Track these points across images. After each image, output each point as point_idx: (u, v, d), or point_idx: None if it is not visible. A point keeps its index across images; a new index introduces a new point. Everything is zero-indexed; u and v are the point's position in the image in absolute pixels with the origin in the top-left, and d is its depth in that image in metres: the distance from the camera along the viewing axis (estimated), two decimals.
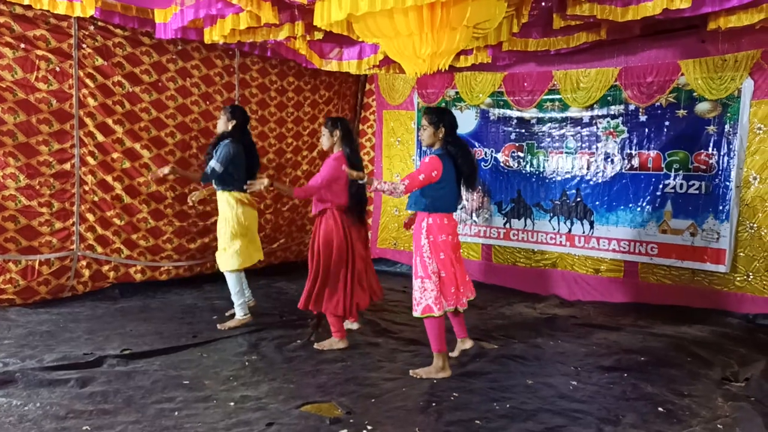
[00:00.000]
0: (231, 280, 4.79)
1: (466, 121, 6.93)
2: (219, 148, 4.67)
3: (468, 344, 4.22)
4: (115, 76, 5.48)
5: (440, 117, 3.86)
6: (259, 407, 3.23)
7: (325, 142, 4.39)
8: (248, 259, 4.85)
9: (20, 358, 3.81)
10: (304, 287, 4.36)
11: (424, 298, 3.77)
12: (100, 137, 5.42)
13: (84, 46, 5.27)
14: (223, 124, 4.82)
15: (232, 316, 4.88)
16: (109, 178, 5.51)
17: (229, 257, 4.76)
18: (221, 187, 4.74)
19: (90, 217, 5.43)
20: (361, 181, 3.79)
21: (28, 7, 4.72)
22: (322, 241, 4.29)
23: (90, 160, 5.39)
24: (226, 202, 4.75)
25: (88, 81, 5.31)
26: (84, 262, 5.43)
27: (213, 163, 4.62)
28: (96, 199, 5.46)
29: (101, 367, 3.74)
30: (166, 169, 4.69)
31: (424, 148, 4.03)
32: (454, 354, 4.17)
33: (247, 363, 3.98)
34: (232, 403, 3.27)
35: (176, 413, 3.11)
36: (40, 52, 5.00)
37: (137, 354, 4.01)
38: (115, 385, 3.45)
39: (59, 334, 4.41)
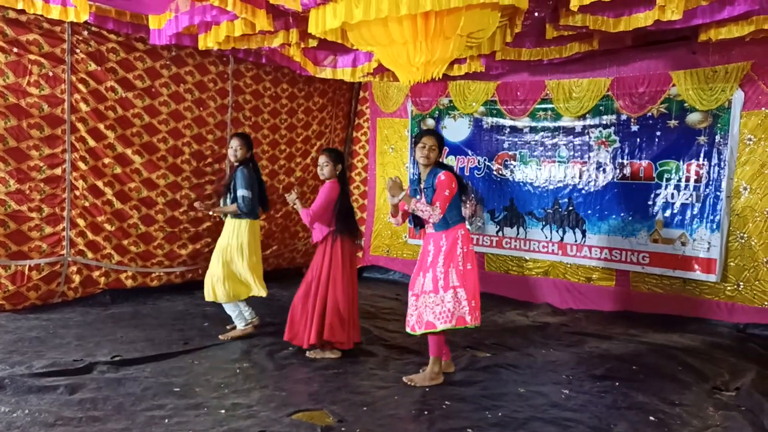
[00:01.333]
0: (228, 308, 4.72)
1: (460, 130, 6.96)
2: (236, 176, 4.64)
3: (451, 368, 4.12)
4: (108, 81, 5.47)
5: (442, 142, 3.99)
6: (250, 415, 3.20)
7: (327, 172, 4.33)
8: (244, 292, 4.73)
9: (9, 364, 3.77)
10: (316, 320, 4.22)
11: (458, 309, 3.68)
12: (91, 142, 5.40)
13: (77, 51, 5.26)
14: (242, 155, 4.69)
15: (233, 327, 4.83)
16: (99, 184, 5.49)
17: (220, 288, 4.60)
18: (242, 215, 4.66)
19: (80, 222, 5.40)
20: (396, 199, 3.80)
21: (22, 12, 4.71)
22: (334, 266, 4.30)
23: (81, 165, 5.36)
24: (237, 229, 4.65)
25: (80, 86, 5.29)
26: (74, 268, 5.39)
27: (242, 192, 4.58)
28: (87, 204, 5.43)
29: (91, 373, 3.71)
30: (201, 206, 4.80)
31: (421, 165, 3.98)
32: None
33: (238, 370, 3.95)
34: (223, 411, 3.25)
35: (166, 420, 3.09)
36: (32, 57, 4.98)
37: (128, 361, 3.98)
38: (105, 392, 3.42)
39: (49, 340, 4.37)
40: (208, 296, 4.66)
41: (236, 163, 4.75)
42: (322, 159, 4.34)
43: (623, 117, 5.91)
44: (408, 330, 3.85)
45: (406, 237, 7.37)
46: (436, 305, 3.70)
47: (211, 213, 4.92)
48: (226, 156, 6.41)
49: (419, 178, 3.99)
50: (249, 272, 4.66)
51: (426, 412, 3.35)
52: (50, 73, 5.11)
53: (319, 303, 4.24)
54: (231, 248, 4.65)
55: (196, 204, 4.93)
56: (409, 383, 3.77)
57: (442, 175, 3.77)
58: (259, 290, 4.72)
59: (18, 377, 3.50)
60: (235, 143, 4.72)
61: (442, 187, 3.74)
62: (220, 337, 4.67)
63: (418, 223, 4.01)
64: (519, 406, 3.48)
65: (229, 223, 4.70)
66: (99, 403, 3.26)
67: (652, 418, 3.38)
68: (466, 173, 6.92)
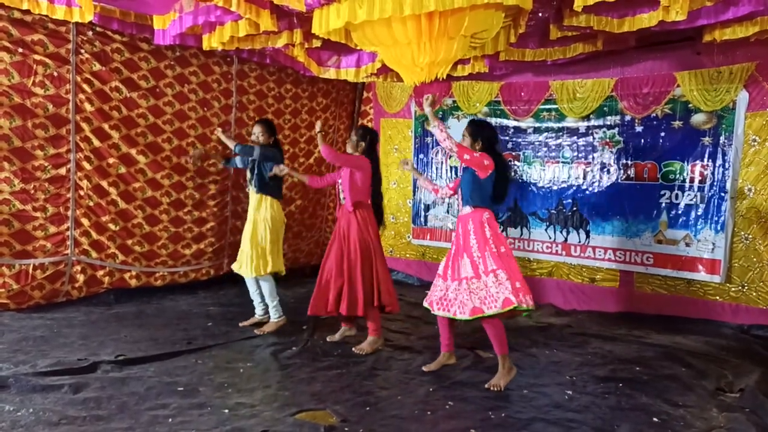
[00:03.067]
0: (268, 284, 4.95)
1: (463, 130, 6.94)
2: (268, 152, 4.91)
3: (453, 359, 4.19)
4: (112, 81, 5.48)
5: (478, 130, 3.97)
6: (253, 414, 3.21)
7: (350, 148, 4.62)
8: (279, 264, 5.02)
9: (13, 363, 3.79)
10: (352, 291, 4.42)
11: (501, 291, 3.64)
12: (96, 142, 5.42)
13: (82, 51, 5.27)
14: (265, 140, 5.00)
15: (261, 323, 5.03)
16: (104, 183, 5.50)
17: (269, 261, 4.89)
18: (266, 191, 4.93)
19: (85, 222, 5.42)
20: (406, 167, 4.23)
21: (27, 12, 4.72)
22: (364, 238, 4.50)
23: (86, 164, 5.38)
24: (270, 207, 4.93)
25: (85, 86, 5.30)
26: (78, 267, 5.41)
27: (269, 163, 4.88)
28: (91, 204, 5.45)
29: (95, 372, 3.72)
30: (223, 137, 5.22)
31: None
32: (433, 368, 4.09)
33: (241, 370, 3.96)
34: (226, 410, 3.26)
35: (170, 420, 3.10)
36: (37, 57, 5.00)
37: (131, 360, 3.99)
38: (109, 391, 3.43)
39: (53, 339, 4.39)
40: (256, 272, 4.86)
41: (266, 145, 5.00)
42: (354, 136, 4.61)
43: (627, 118, 5.90)
44: (450, 315, 3.81)
45: (409, 237, 7.37)
46: (480, 290, 3.70)
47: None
48: (231, 156, 6.42)
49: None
50: (272, 245, 4.91)
51: (429, 413, 3.35)
52: (55, 74, 5.12)
53: (368, 271, 4.47)
54: (255, 225, 4.91)
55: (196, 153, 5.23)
56: (493, 389, 3.75)
57: (479, 154, 3.85)
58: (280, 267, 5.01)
59: (22, 376, 3.51)
60: (257, 129, 5.03)
61: (472, 151, 3.83)
62: (256, 330, 4.86)
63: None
64: (522, 407, 3.47)
65: (255, 199, 4.96)
66: (103, 402, 3.27)
67: (655, 419, 3.37)
68: None
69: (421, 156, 7.24)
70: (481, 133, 3.96)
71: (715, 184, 5.49)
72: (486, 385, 3.77)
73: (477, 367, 4.16)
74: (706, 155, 5.52)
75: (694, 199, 5.59)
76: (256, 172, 4.92)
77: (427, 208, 7.26)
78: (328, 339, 4.68)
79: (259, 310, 5.07)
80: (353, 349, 4.43)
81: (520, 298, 3.66)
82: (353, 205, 4.48)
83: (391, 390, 3.69)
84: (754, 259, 5.32)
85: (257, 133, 5.00)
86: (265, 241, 4.88)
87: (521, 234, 6.60)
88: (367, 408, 3.38)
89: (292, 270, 7.39)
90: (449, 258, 3.96)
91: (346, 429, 3.09)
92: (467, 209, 3.90)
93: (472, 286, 3.72)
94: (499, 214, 6.73)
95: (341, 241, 4.51)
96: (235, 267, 5.08)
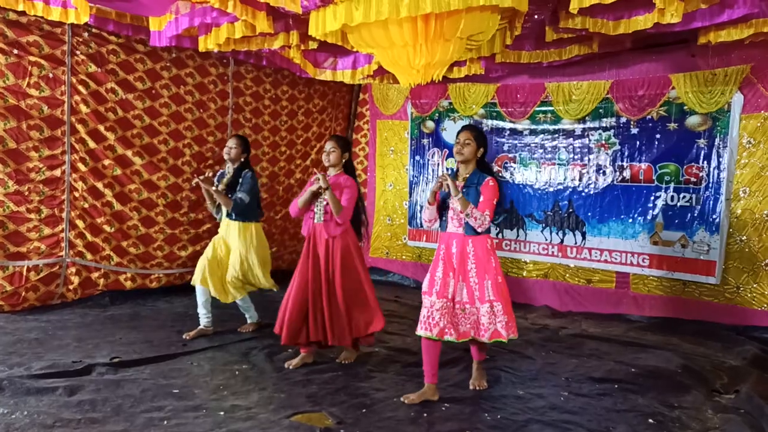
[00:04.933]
0: (243, 303, 4.95)
1: None
2: (243, 180, 4.73)
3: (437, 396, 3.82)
4: (108, 83, 5.47)
5: (483, 138, 3.72)
6: (249, 417, 3.20)
7: (333, 159, 4.20)
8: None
9: (8, 365, 3.77)
10: (335, 322, 4.10)
11: (494, 323, 3.55)
12: (91, 144, 5.40)
13: (77, 52, 5.26)
14: (236, 154, 4.80)
15: (206, 334, 4.81)
16: (99, 185, 5.49)
17: (261, 282, 4.88)
18: (242, 218, 4.76)
19: (80, 223, 5.40)
20: (445, 184, 3.53)
21: (22, 13, 4.71)
22: (348, 263, 4.16)
23: (81, 166, 5.36)
24: (244, 233, 4.77)
25: (80, 87, 5.29)
26: (73, 269, 5.39)
27: (241, 195, 4.66)
28: (86, 205, 5.43)
29: (90, 375, 3.71)
30: (200, 178, 4.63)
31: (457, 163, 3.77)
32: (414, 400, 3.61)
33: (237, 372, 3.95)
34: (222, 413, 3.25)
35: (165, 422, 3.09)
36: (32, 58, 4.99)
37: (126, 362, 3.98)
38: (104, 393, 3.42)
39: (48, 341, 4.37)
40: (227, 299, 4.82)
41: (230, 162, 4.83)
42: (330, 145, 4.22)
43: (623, 120, 5.92)
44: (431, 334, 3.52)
45: (405, 239, 7.37)
46: (471, 315, 3.59)
47: (200, 183, 4.59)
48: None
49: (456, 174, 3.75)
50: (261, 271, 4.86)
51: (425, 414, 3.35)
52: (50, 75, 5.11)
53: (353, 296, 4.16)
54: (247, 253, 4.78)
55: (197, 179, 4.65)
56: (478, 387, 3.81)
57: (491, 181, 3.58)
58: (270, 284, 4.96)
59: (17, 379, 3.49)
60: (232, 143, 4.85)
61: (491, 194, 3.56)
62: (239, 329, 4.92)
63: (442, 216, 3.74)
64: (518, 409, 3.47)
65: (235, 227, 4.76)
66: (98, 404, 3.26)
67: (651, 420, 3.37)
68: None
69: (417, 158, 7.25)
70: (485, 141, 3.74)
71: (710, 185, 5.51)
72: (470, 386, 3.81)
73: (472, 370, 4.15)
74: (701, 157, 5.54)
75: (690, 201, 5.61)
76: (231, 196, 4.68)
77: (423, 210, 7.25)
78: (286, 365, 4.13)
79: (205, 321, 4.80)
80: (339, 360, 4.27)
81: (511, 330, 3.67)
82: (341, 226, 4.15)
83: (387, 392, 3.68)
84: (749, 261, 5.34)
85: (231, 146, 4.81)
86: (255, 267, 4.81)
87: (517, 236, 6.61)
88: (363, 410, 3.38)
89: (288, 272, 7.36)
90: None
91: (342, 431, 3.09)
92: (469, 233, 3.64)
93: (467, 311, 3.65)
94: (496, 216, 6.74)
95: (321, 265, 4.13)
96: (208, 289, 4.73)
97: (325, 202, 4.10)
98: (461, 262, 3.60)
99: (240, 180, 4.75)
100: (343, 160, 4.25)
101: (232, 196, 4.68)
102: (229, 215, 4.78)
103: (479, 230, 3.54)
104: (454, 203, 3.55)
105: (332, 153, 4.19)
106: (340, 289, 4.10)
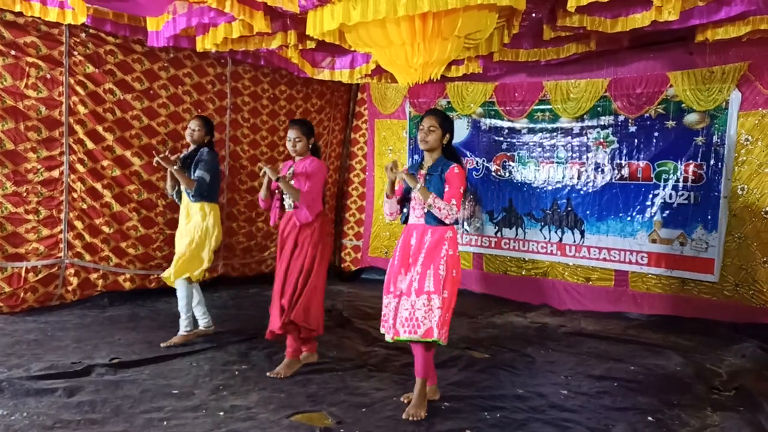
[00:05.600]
0: (184, 290, 4.51)
1: (458, 131, 6.90)
2: (203, 158, 4.45)
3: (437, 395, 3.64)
4: (106, 83, 5.47)
5: (449, 123, 3.47)
6: (248, 417, 3.20)
7: (300, 148, 3.95)
8: (202, 271, 4.57)
9: (7, 367, 3.76)
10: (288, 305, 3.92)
11: (429, 319, 3.22)
12: (90, 145, 5.39)
13: (75, 53, 5.26)
14: (199, 137, 4.51)
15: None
16: (98, 186, 5.48)
17: (189, 264, 4.46)
18: (200, 198, 4.45)
19: (78, 224, 5.39)
20: (400, 175, 3.31)
21: (19, 14, 4.70)
22: (314, 251, 3.98)
23: (79, 167, 5.36)
24: (201, 211, 4.48)
25: (78, 88, 5.28)
26: (72, 270, 5.38)
27: (200, 173, 4.39)
28: (85, 206, 5.42)
29: (89, 376, 3.70)
30: (160, 160, 4.31)
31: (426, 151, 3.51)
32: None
33: (236, 372, 3.95)
34: (221, 413, 3.24)
35: (165, 423, 3.08)
36: (30, 59, 4.98)
37: (126, 363, 3.97)
38: (104, 394, 3.41)
39: (47, 342, 4.36)
40: (173, 278, 4.48)
41: (193, 145, 4.54)
42: (294, 133, 3.93)
43: (621, 118, 5.92)
44: (389, 337, 3.39)
45: None
46: (404, 309, 3.26)
47: (160, 162, 4.30)
48: (224, 157, 6.42)
49: (420, 164, 3.54)
50: (209, 253, 4.52)
51: (425, 414, 3.34)
52: (48, 76, 5.10)
53: (305, 286, 3.94)
54: (185, 231, 4.50)
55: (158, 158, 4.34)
56: (411, 418, 3.25)
57: (456, 168, 3.32)
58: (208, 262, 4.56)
59: (16, 380, 3.49)
60: (194, 124, 4.52)
61: (457, 182, 3.29)
62: (162, 345, 4.43)
63: (405, 208, 3.52)
64: (518, 407, 3.47)
65: (195, 208, 4.49)
66: (97, 405, 3.25)
67: (650, 418, 3.38)
68: None
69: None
70: (451, 126, 3.49)
71: (708, 183, 5.51)
72: (404, 416, 3.26)
73: (472, 368, 4.16)
74: (700, 155, 5.55)
75: (688, 199, 5.62)
76: (190, 174, 4.42)
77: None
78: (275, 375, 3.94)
79: (203, 322, 4.67)
80: (270, 374, 3.94)
81: (442, 334, 3.27)
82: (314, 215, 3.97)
83: (387, 391, 3.68)
84: (747, 258, 5.35)
85: (194, 128, 4.49)
86: (191, 245, 4.46)
87: (516, 234, 6.61)
88: (363, 409, 3.37)
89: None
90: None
91: (341, 430, 3.08)
92: (429, 222, 3.39)
93: (437, 303, 3.27)
94: (495, 214, 6.75)
95: (288, 255, 3.97)
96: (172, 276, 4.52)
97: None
98: (416, 252, 3.35)
99: (196, 158, 4.46)
100: (309, 146, 4.01)
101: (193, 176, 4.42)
102: (189, 195, 4.47)
103: (447, 221, 3.27)
104: (416, 194, 3.33)
105: (299, 143, 3.94)
106: (301, 274, 3.94)
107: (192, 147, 4.58)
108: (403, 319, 3.27)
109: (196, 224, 4.49)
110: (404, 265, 3.41)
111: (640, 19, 4.23)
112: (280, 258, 4.05)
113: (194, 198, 4.46)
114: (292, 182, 3.96)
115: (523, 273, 6.59)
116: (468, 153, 6.88)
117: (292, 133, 3.95)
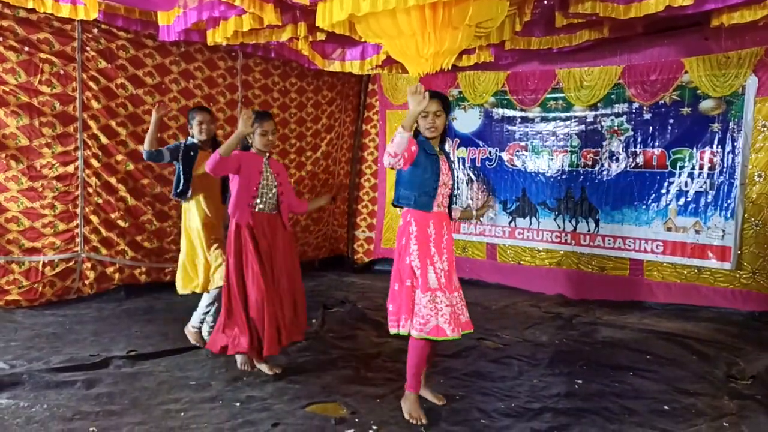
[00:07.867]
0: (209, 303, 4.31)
1: (470, 121, 6.93)
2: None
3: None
4: (118, 78, 5.50)
5: (449, 104, 3.22)
6: (264, 407, 3.23)
7: (271, 137, 3.69)
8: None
9: (27, 359, 3.83)
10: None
11: (436, 317, 2.99)
12: (103, 139, 5.44)
13: (87, 48, 5.29)
14: (213, 129, 4.28)
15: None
16: (113, 180, 5.53)
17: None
18: (190, 196, 4.20)
19: (94, 219, 5.45)
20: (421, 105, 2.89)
21: (32, 11, 4.74)
22: (295, 247, 3.75)
23: (94, 162, 5.40)
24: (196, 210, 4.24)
25: (91, 83, 5.32)
26: (89, 264, 5.44)
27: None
28: (100, 201, 5.48)
29: (107, 368, 3.75)
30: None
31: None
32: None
33: None
34: (237, 404, 3.28)
35: (182, 414, 3.12)
36: (43, 56, 5.02)
37: (143, 355, 4.02)
38: (121, 386, 3.46)
39: (65, 335, 4.43)
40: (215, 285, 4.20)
41: (205, 137, 4.18)
42: (272, 126, 3.68)
43: (635, 105, 5.85)
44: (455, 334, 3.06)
45: None
46: (419, 306, 3.02)
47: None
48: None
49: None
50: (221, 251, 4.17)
51: (440, 403, 3.35)
52: (61, 72, 5.14)
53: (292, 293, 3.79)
54: (194, 234, 4.33)
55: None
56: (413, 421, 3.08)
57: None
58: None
59: (36, 372, 3.55)
60: (202, 116, 4.16)
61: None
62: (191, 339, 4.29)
63: None
64: (532, 397, 3.47)
65: (194, 204, 4.24)
66: (116, 397, 3.30)
67: (666, 407, 3.36)
68: (478, 164, 6.90)
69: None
70: (449, 106, 3.22)
71: (724, 170, 5.44)
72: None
73: (486, 358, 4.16)
74: (715, 141, 5.48)
75: (704, 186, 5.55)
76: (184, 178, 4.14)
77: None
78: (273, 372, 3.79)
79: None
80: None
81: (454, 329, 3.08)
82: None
83: (401, 381, 3.68)
84: (765, 246, 5.28)
85: (204, 119, 4.14)
86: (214, 249, 4.24)
87: (530, 224, 6.58)
88: (377, 400, 3.39)
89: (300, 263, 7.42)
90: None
91: (356, 421, 3.10)
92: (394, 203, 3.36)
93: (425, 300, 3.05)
94: (509, 204, 6.71)
95: (273, 258, 3.70)
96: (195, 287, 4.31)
97: (275, 189, 3.69)
98: (448, 245, 3.22)
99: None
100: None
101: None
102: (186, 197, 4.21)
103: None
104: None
105: (272, 134, 3.70)
106: (296, 278, 3.83)
107: (195, 140, 4.19)
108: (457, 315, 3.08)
109: (196, 226, 4.27)
110: (446, 260, 3.17)
111: (654, 5, 4.16)
112: (247, 263, 3.61)
113: (182, 198, 4.21)
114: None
115: (537, 263, 6.56)
116: (480, 143, 6.85)
117: (270, 125, 3.67)
